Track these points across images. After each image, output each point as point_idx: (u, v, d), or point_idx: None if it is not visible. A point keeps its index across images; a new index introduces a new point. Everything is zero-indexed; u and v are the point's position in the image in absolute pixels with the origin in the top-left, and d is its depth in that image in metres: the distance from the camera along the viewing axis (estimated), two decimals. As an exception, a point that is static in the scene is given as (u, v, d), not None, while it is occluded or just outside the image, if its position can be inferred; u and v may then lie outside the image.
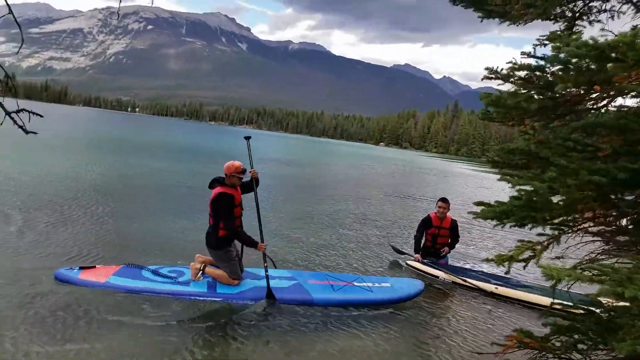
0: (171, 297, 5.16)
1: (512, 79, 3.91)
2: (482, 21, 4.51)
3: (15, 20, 2.88)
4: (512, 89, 3.55)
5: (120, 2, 3.54)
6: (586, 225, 2.72)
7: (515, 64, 3.84)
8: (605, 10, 4.32)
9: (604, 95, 3.24)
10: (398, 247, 8.47)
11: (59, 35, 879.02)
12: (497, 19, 4.47)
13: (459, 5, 4.27)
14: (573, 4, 4.30)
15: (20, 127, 2.65)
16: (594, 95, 3.33)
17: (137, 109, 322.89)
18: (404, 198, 18.00)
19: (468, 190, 25.70)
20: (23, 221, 7.46)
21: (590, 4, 4.30)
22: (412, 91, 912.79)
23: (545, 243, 2.61)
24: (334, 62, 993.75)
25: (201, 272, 5.62)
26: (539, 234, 2.67)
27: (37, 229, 7.11)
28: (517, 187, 2.77)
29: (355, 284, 5.93)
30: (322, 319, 5.10)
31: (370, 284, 5.97)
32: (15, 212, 7.95)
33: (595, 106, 3.51)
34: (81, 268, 5.42)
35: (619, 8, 4.28)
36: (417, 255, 7.65)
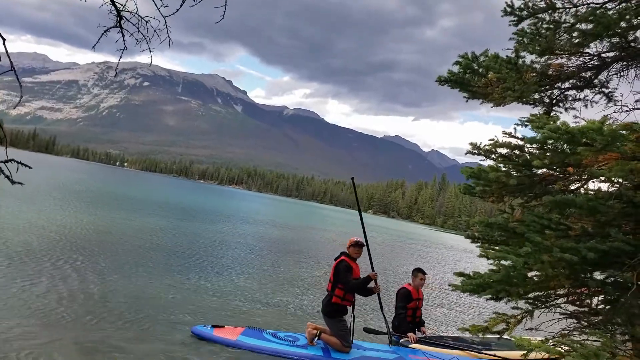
0: (291, 359, 5.80)
1: (493, 155, 4.12)
2: (467, 101, 4.80)
3: (17, 77, 2.99)
4: (494, 165, 3.73)
5: (120, 58, 3.68)
6: (559, 301, 2.78)
7: (496, 141, 4.06)
8: (579, 99, 4.64)
9: (577, 177, 3.42)
10: (371, 327, 7.32)
11: (53, 85, 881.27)
12: (480, 99, 4.77)
13: (445, 85, 4.54)
14: (550, 91, 4.62)
15: (7, 177, 2.67)
16: (569, 177, 3.51)
17: (125, 163, 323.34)
18: (398, 271, 17.87)
19: (461, 262, 25.69)
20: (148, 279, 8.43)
21: (565, 93, 4.62)
22: (400, 162, 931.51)
23: (519, 317, 2.65)
24: (327, 129, 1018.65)
25: (317, 337, 6.12)
26: (514, 307, 2.72)
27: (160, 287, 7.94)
28: (496, 262, 2.84)
29: None
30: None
31: None
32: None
33: (569, 187, 3.69)
34: (213, 326, 6.04)
35: (592, 97, 4.61)
36: (412, 335, 6.78)
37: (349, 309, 6.25)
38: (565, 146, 2.82)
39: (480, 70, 3.67)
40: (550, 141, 2.89)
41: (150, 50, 3.66)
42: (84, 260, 9.02)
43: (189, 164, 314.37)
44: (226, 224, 24.03)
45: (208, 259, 11.77)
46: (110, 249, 10.68)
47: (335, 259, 6.31)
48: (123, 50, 3.46)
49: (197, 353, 5.35)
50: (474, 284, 2.67)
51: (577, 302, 2.95)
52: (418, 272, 7.21)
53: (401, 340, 6.98)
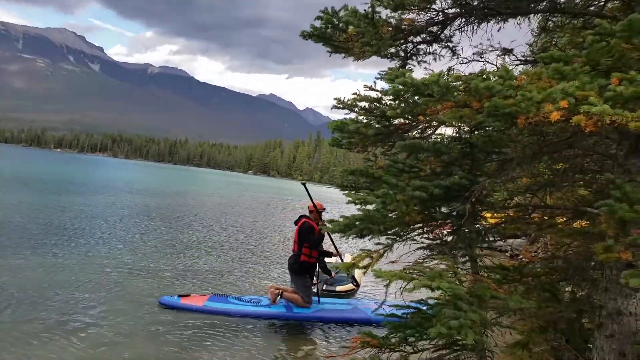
0: (255, 318, 6.22)
1: (356, 109, 4.38)
2: (330, 55, 4.98)
3: None
4: (355, 118, 3.99)
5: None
6: (414, 234, 3.16)
7: (358, 95, 4.31)
8: (429, 53, 5.11)
9: (427, 124, 3.82)
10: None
11: None
12: (342, 54, 4.98)
13: (309, 40, 4.63)
14: (404, 45, 5.00)
15: None
16: (420, 125, 3.90)
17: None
18: (286, 225, 18.29)
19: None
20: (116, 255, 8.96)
21: (418, 47, 5.05)
22: (276, 121, 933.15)
23: (381, 251, 2.96)
24: (198, 88, 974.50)
25: (279, 296, 6.63)
26: (376, 244, 3.03)
27: (128, 263, 8.40)
28: (358, 204, 3.11)
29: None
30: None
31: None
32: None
33: (422, 135, 4.11)
34: (180, 296, 6.46)
35: (440, 51, 5.11)
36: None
37: (315, 266, 6.83)
38: (414, 97, 3.11)
39: (341, 25, 3.82)
40: (402, 93, 3.16)
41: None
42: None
43: (41, 131, 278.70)
44: (132, 196, 22.78)
45: (136, 234, 11.71)
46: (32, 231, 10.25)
47: (296, 222, 6.83)
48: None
49: (167, 321, 5.76)
50: (341, 225, 2.91)
51: (430, 234, 3.37)
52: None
53: (326, 287, 7.85)
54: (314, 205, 6.90)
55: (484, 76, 2.46)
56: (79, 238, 10.03)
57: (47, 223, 11.48)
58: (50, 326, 5.09)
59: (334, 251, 7.08)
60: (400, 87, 2.76)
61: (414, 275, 2.45)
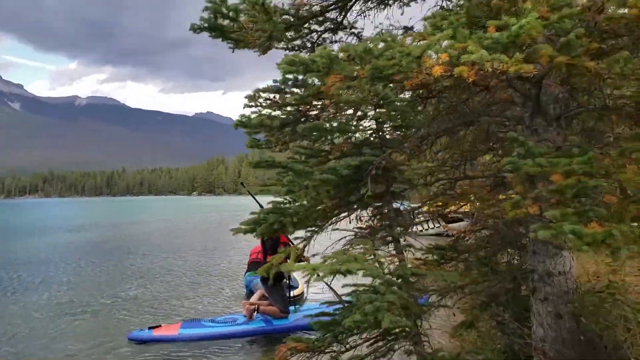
0: (235, 338, 5.89)
1: (260, 102, 4.18)
2: (233, 51, 4.74)
3: None
4: (257, 110, 3.78)
5: None
6: (334, 222, 3.00)
7: (259, 89, 4.11)
8: (335, 42, 5.04)
9: (334, 109, 3.68)
10: None
11: None
12: (244, 48, 4.76)
13: (200, 33, 4.36)
14: (309, 35, 4.88)
15: None
16: (327, 109, 3.76)
17: None
18: (222, 243, 17.74)
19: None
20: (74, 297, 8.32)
21: (322, 36, 4.95)
22: (217, 138, 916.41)
23: (301, 245, 2.77)
24: (131, 115, 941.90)
25: (255, 312, 6.38)
26: (295, 238, 2.83)
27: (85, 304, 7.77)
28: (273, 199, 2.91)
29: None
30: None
31: None
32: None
33: (329, 118, 3.97)
34: (150, 328, 6.01)
35: (346, 39, 5.05)
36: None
37: (285, 274, 6.58)
38: (305, 76, 2.93)
39: (230, 13, 3.60)
40: (293, 75, 2.99)
41: None
42: None
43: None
44: (71, 234, 21.61)
45: (82, 272, 10.99)
46: None
47: None
48: None
49: (144, 357, 5.36)
50: (250, 223, 2.70)
51: (356, 220, 3.23)
52: None
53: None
54: (261, 207, 6.78)
55: (369, 42, 2.33)
56: (17, 287, 9.18)
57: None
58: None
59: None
60: (289, 67, 2.59)
61: (332, 264, 2.27)
